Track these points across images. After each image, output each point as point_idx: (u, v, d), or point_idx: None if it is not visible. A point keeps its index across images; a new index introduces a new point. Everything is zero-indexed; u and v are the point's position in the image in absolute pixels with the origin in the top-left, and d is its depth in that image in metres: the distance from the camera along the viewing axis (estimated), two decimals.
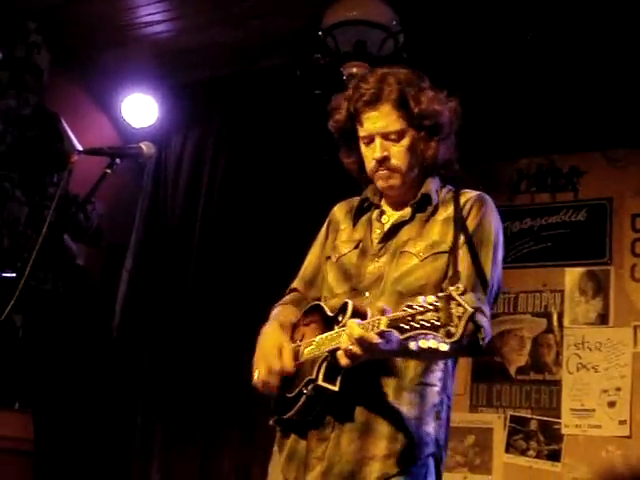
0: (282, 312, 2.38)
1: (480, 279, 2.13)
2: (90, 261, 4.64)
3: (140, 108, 4.79)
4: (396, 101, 2.21)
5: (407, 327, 1.79)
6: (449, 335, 1.72)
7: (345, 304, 2.10)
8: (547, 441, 4.13)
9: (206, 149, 4.96)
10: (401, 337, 1.81)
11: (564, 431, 4.11)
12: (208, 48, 4.47)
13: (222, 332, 4.65)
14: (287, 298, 2.47)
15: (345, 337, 1.94)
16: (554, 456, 4.09)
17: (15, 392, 4.01)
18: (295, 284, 2.49)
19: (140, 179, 4.99)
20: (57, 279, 4.31)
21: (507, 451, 4.21)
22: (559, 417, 4.13)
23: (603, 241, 4.27)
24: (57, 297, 4.31)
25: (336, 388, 2.06)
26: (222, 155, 4.92)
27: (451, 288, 1.76)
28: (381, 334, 1.89)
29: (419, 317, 1.77)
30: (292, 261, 2.60)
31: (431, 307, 1.76)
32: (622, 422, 4.00)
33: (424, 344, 1.74)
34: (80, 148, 4.34)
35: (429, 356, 2.05)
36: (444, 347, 1.72)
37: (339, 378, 2.05)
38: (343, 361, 1.96)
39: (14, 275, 3.95)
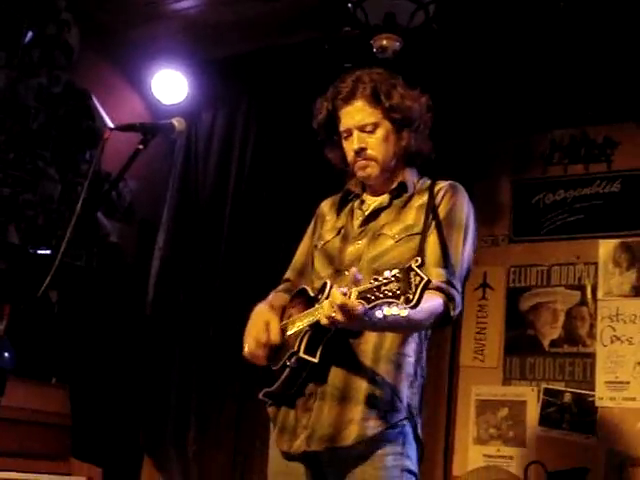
0: (274, 297, 2.62)
1: (451, 257, 2.34)
2: (123, 238, 4.68)
3: (170, 84, 4.79)
4: (370, 97, 2.44)
5: (373, 297, 1.97)
6: (407, 301, 1.90)
7: (324, 284, 2.30)
8: (581, 414, 4.12)
9: (236, 124, 4.95)
10: (368, 306, 1.97)
11: (598, 404, 4.09)
12: (237, 23, 4.45)
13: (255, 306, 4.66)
14: (280, 287, 2.69)
15: (327, 304, 2.07)
16: (588, 428, 4.08)
17: (52, 367, 4.06)
18: (287, 275, 2.72)
19: (171, 155, 5.00)
20: (91, 256, 4.35)
21: (541, 424, 4.21)
22: (593, 390, 4.11)
23: (637, 212, 4.23)
24: (91, 273, 4.35)
25: (316, 360, 2.24)
26: (252, 130, 4.92)
27: (412, 261, 1.95)
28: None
29: (384, 288, 1.95)
30: None
31: (393, 279, 1.94)
32: None
33: (388, 311, 1.92)
34: (111, 125, 4.37)
35: (398, 326, 2.19)
36: (404, 313, 1.91)
37: (319, 350, 2.24)
38: (323, 321, 2.10)
39: (49, 252, 3.99)
